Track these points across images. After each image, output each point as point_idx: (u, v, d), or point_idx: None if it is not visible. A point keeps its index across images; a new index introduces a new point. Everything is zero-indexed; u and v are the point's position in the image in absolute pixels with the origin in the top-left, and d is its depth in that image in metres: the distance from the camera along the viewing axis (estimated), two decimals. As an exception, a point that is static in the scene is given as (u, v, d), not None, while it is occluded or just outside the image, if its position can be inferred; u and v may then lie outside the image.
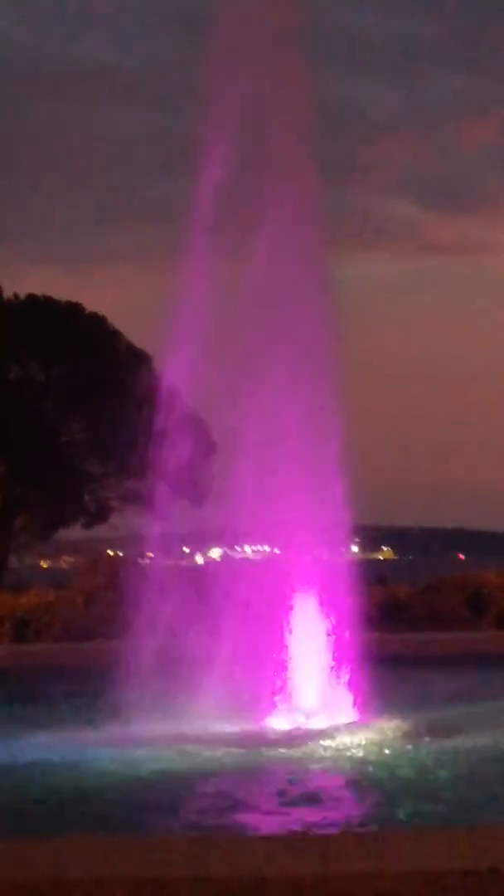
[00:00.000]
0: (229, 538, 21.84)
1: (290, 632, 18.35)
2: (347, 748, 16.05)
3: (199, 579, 19.79)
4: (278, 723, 17.46)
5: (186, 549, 25.75)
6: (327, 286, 19.19)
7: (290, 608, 18.42)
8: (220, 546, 22.14)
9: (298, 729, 17.17)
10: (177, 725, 16.71)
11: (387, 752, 15.69)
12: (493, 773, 14.00)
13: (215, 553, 24.70)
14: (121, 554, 40.59)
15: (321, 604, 18.50)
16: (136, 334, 49.06)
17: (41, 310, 49.42)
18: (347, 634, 18.41)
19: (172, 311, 18.78)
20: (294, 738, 16.54)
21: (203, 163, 18.53)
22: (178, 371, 19.75)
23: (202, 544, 23.25)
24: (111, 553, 40.30)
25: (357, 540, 21.43)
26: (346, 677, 18.18)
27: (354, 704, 17.94)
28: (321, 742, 16.36)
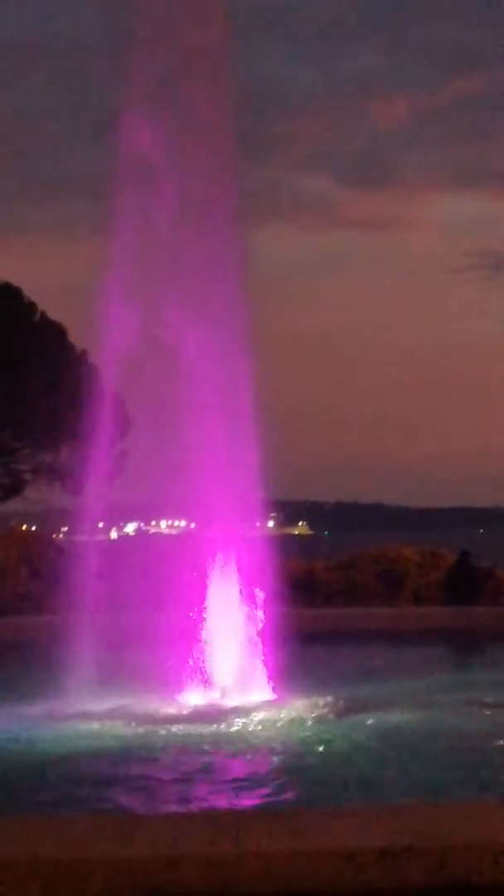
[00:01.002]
0: (144, 513, 21.83)
1: (206, 607, 18.35)
2: (260, 726, 16.08)
3: (113, 554, 19.76)
4: (193, 699, 17.47)
5: (101, 524, 25.67)
6: (241, 259, 19.17)
7: (206, 583, 18.43)
8: (135, 521, 22.11)
9: (213, 706, 17.18)
10: (89, 702, 16.69)
11: (299, 730, 15.73)
12: (412, 747, 14.07)
13: (130, 528, 24.69)
14: (34, 529, 40.45)
15: (236, 579, 18.52)
16: (51, 307, 48.92)
17: (-46, 280, 49.19)
18: (263, 610, 18.45)
19: (90, 284, 18.72)
20: (208, 716, 16.54)
21: (121, 134, 18.50)
22: (96, 344, 19.70)
23: (118, 519, 23.18)
24: (25, 527, 40.10)
25: (273, 515, 21.45)
26: (261, 653, 18.22)
27: (269, 681, 17.99)
28: (235, 719, 16.38)
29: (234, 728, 15.94)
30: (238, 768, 13.46)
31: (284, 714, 16.68)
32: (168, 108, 18.82)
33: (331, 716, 16.44)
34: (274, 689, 17.87)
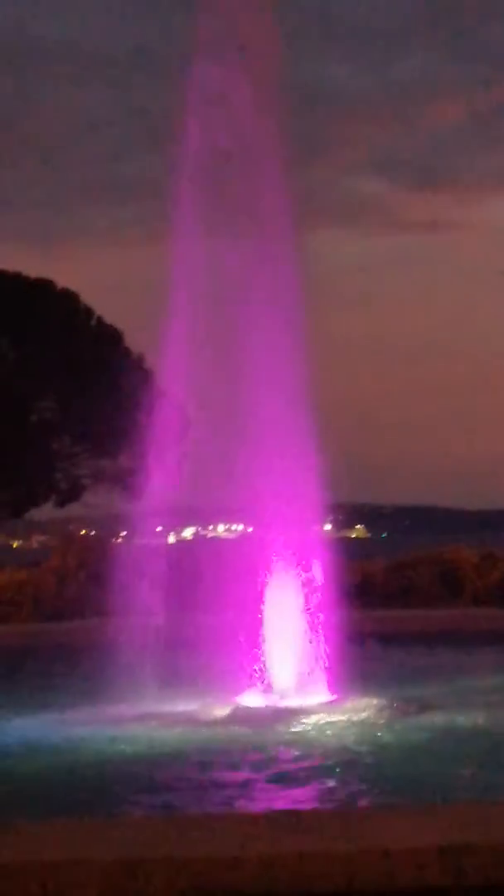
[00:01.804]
0: (202, 517, 21.88)
1: (264, 609, 18.38)
2: (321, 727, 16.11)
3: (172, 558, 19.82)
4: (253, 701, 17.50)
5: (159, 529, 25.75)
6: (300, 264, 19.18)
7: (264, 586, 18.45)
8: (193, 525, 22.19)
9: (273, 708, 17.21)
10: (150, 705, 16.76)
11: (358, 731, 15.75)
12: (471, 749, 14.06)
13: (188, 532, 24.78)
14: (94, 533, 40.57)
15: (295, 582, 18.54)
16: (109, 311, 49.06)
17: (10, 286, 49.31)
18: (322, 612, 18.46)
19: (149, 291, 18.80)
20: (268, 718, 16.58)
21: (181, 143, 18.60)
22: (156, 349, 19.78)
23: (176, 523, 23.29)
24: (84, 532, 40.24)
25: (330, 518, 21.45)
26: (320, 655, 18.23)
27: (329, 683, 18.01)
28: (295, 721, 16.41)
29: (294, 729, 15.97)
30: (298, 769, 13.49)
31: (344, 715, 16.71)
32: (224, 116, 18.86)
33: (390, 717, 16.46)
34: (333, 691, 17.89)
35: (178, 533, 24.50)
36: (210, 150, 18.71)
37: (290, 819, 8.37)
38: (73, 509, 51.58)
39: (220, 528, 21.84)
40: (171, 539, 24.85)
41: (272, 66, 19.05)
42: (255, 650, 18.11)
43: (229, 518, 20.99)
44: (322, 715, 16.79)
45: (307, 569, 18.64)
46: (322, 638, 18.32)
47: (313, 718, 16.58)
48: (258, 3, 19.00)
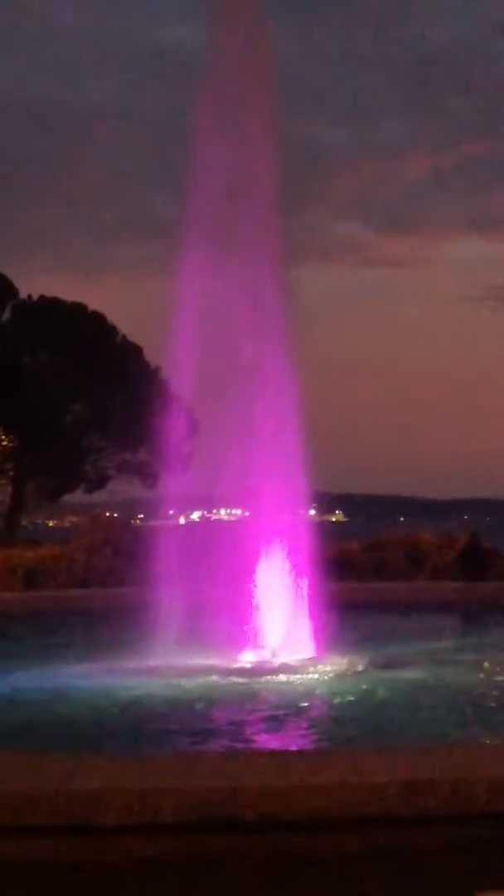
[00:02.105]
0: (207, 503, 21.87)
1: (259, 581, 18.39)
2: (305, 679, 16.10)
3: (182, 537, 19.83)
4: (249, 658, 17.49)
5: (172, 512, 25.70)
6: (288, 292, 19.23)
7: (259, 561, 18.47)
8: (199, 510, 22.15)
9: (266, 663, 17.20)
10: (163, 659, 16.73)
11: (337, 683, 15.73)
12: (432, 698, 14.06)
13: (195, 515, 24.71)
14: (116, 515, 40.57)
15: (285, 558, 18.56)
16: (132, 330, 49.18)
17: (50, 308, 49.36)
18: (306, 584, 18.48)
19: (164, 314, 18.84)
20: (262, 672, 16.57)
21: (192, 194, 18.70)
22: (172, 362, 19.83)
23: (185, 508, 23.25)
24: (109, 514, 40.23)
25: (314, 504, 21.44)
26: (305, 620, 18.25)
27: (312, 643, 18.01)
28: (283, 674, 16.41)
29: (283, 680, 15.97)
30: (285, 713, 13.47)
31: (324, 669, 16.70)
32: (227, 170, 18.91)
33: (363, 671, 16.44)
34: (315, 649, 17.89)
35: (186, 516, 24.41)
36: (214, 201, 18.77)
37: (278, 756, 8.37)
38: (100, 495, 51.72)
39: (223, 512, 21.75)
40: (181, 521, 24.77)
41: (266, 132, 19.12)
42: (251, 615, 18.12)
43: (230, 504, 20.92)
44: (306, 669, 16.78)
45: (294, 547, 18.66)
46: (306, 605, 18.33)
47: (299, 672, 16.57)
48: (257, 82, 19.07)
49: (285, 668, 16.82)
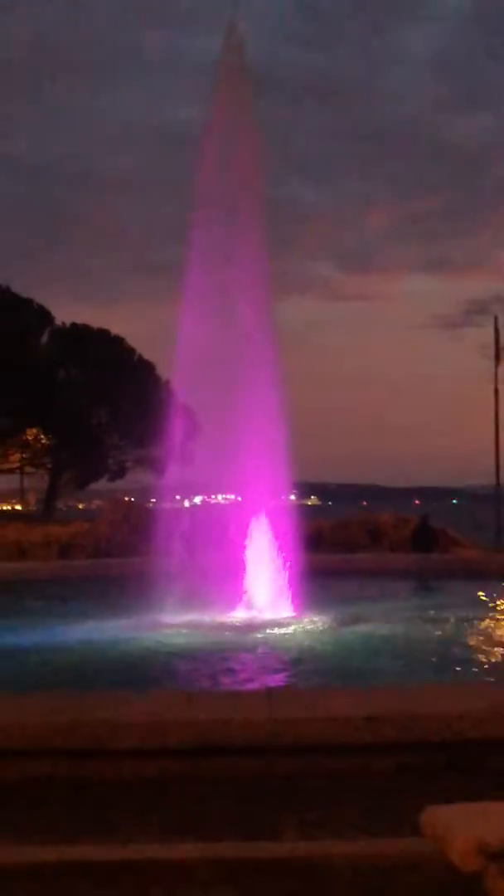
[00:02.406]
0: (207, 489, 21.86)
1: (248, 553, 18.40)
2: (285, 633, 16.05)
3: (186, 517, 19.82)
4: (240, 615, 17.45)
5: (178, 497, 25.63)
6: (273, 321, 19.29)
7: (249, 537, 18.47)
8: (200, 495, 22.09)
9: (254, 619, 17.15)
10: (170, 616, 16.68)
11: (313, 635, 15.69)
12: (389, 648, 14.01)
13: (197, 500, 24.62)
14: (133, 499, 40.54)
15: (269, 534, 18.56)
16: (146, 350, 49.20)
17: (81, 333, 49.45)
18: (287, 555, 18.47)
19: (172, 337, 18.87)
20: (251, 626, 16.53)
21: (192, 243, 18.71)
22: (178, 376, 19.91)
23: (189, 493, 23.17)
24: (127, 499, 40.22)
25: (294, 491, 21.40)
26: (286, 584, 18.22)
27: (292, 603, 17.97)
28: (268, 629, 16.36)
29: (267, 633, 15.92)
30: (271, 660, 13.44)
31: (302, 625, 16.65)
32: (221, 222, 18.90)
33: (334, 626, 16.39)
34: (294, 609, 17.85)
35: (190, 500, 24.33)
36: (211, 245, 18.77)
37: (264, 693, 8.31)
38: (120, 483, 51.72)
39: (220, 496, 21.72)
40: (186, 504, 24.69)
41: (254, 191, 19.14)
42: (242, 580, 18.11)
43: (225, 490, 20.92)
44: (287, 624, 16.74)
45: (277, 525, 18.66)
46: (287, 572, 18.31)
47: (280, 627, 16.52)
48: (247, 151, 19.06)
49: (270, 624, 16.77)
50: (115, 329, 50.73)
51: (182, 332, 18.67)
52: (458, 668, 12.33)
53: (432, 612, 17.55)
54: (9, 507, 58.56)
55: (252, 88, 19.61)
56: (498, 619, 16.86)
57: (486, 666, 12.58)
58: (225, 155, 19.02)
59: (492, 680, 11.58)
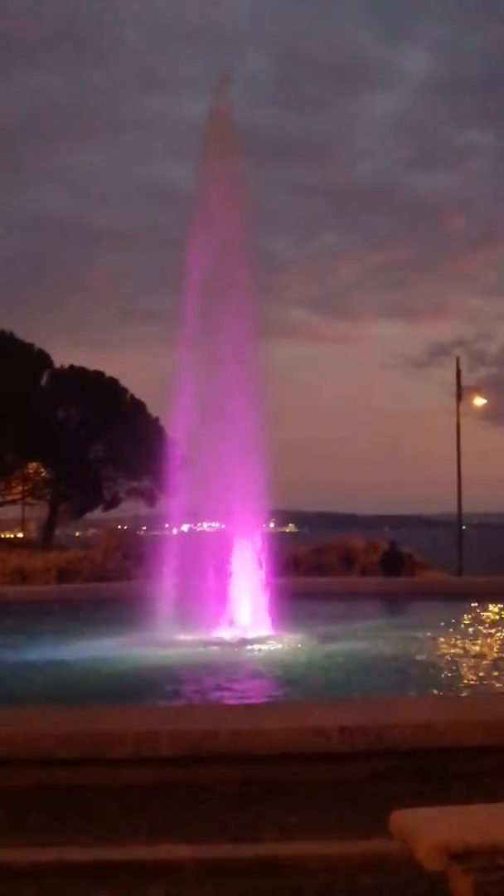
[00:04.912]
0: (193, 518, 21.84)
1: (232, 576, 18.38)
2: (265, 649, 16.04)
3: (175, 544, 19.79)
4: (224, 633, 17.42)
5: (167, 525, 25.63)
6: (256, 361, 19.34)
7: (231, 561, 18.47)
8: (189, 523, 22.08)
9: (236, 637, 17.14)
10: (161, 635, 16.64)
11: (291, 652, 15.68)
12: (360, 665, 14.00)
13: (185, 527, 24.61)
14: (126, 527, 40.43)
15: (251, 559, 18.56)
16: (138, 390, 49.30)
17: (77, 375, 49.44)
18: (267, 578, 18.47)
19: (163, 378, 18.94)
20: (233, 643, 16.52)
21: (185, 291, 18.79)
22: (166, 414, 19.98)
23: (177, 521, 23.15)
24: (120, 527, 40.11)
25: (272, 519, 21.38)
26: (265, 605, 18.21)
27: (270, 622, 17.96)
28: (249, 646, 16.35)
29: (249, 650, 15.90)
30: (251, 674, 13.42)
31: (281, 642, 16.64)
32: (206, 274, 18.94)
33: (310, 643, 16.38)
34: (273, 627, 17.83)
35: (179, 528, 24.32)
36: (198, 295, 18.84)
37: (248, 707, 8.33)
38: (114, 512, 51.60)
39: (205, 525, 21.69)
40: (175, 532, 24.68)
41: (242, 251, 19.28)
42: (226, 601, 18.09)
43: (210, 519, 20.90)
44: (267, 642, 16.73)
45: (257, 551, 18.66)
46: (267, 594, 18.30)
47: (261, 644, 16.51)
48: (232, 207, 19.18)
49: (251, 641, 16.76)
50: (110, 371, 50.64)
51: (173, 375, 18.74)
52: (423, 682, 12.35)
53: (400, 631, 17.56)
54: (11, 535, 58.29)
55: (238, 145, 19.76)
56: (460, 637, 16.89)
57: (449, 678, 12.61)
58: (212, 211, 19.09)
59: (455, 692, 11.61)
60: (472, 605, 21.38)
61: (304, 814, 6.32)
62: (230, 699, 11.46)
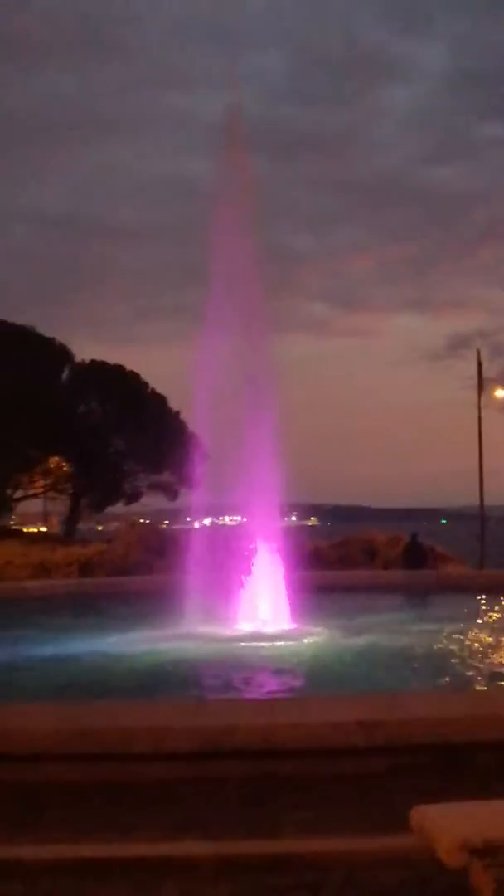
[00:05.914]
0: (216, 511, 21.84)
1: (253, 570, 18.34)
2: (287, 643, 15.99)
3: (197, 538, 19.79)
4: (246, 627, 17.40)
5: (189, 519, 25.64)
6: (274, 355, 19.32)
7: (253, 555, 18.43)
8: (210, 517, 22.08)
9: (258, 631, 17.10)
10: (183, 629, 16.62)
11: (312, 646, 15.62)
12: (384, 659, 13.92)
13: (207, 521, 24.62)
14: (147, 521, 40.52)
15: (273, 552, 18.52)
16: (159, 384, 49.31)
17: (99, 369, 49.53)
18: (288, 572, 18.43)
19: (183, 372, 18.90)
20: (255, 637, 16.48)
21: (205, 299, 18.75)
22: (187, 407, 19.98)
23: (199, 515, 23.14)
24: (141, 521, 40.18)
25: (294, 512, 21.36)
26: (288, 599, 18.17)
27: (292, 616, 17.92)
28: (271, 639, 16.31)
29: (271, 644, 15.86)
30: (273, 668, 13.35)
31: (301, 637, 16.58)
32: (229, 269, 18.87)
33: (331, 637, 16.33)
34: (295, 621, 17.79)
35: (200, 521, 24.32)
36: (218, 289, 18.78)
37: (265, 702, 8.28)
38: (136, 506, 51.71)
39: (227, 518, 21.69)
40: (196, 525, 24.68)
41: (255, 239, 19.21)
42: (248, 595, 18.06)
43: (233, 512, 20.88)
44: (288, 636, 16.68)
45: (279, 544, 18.62)
46: (288, 587, 18.26)
47: (282, 639, 16.46)
48: (248, 202, 19.12)
49: (272, 636, 16.71)
50: (130, 365, 50.68)
51: (193, 369, 18.71)
52: (446, 675, 12.27)
53: (423, 625, 17.46)
54: (34, 529, 58.50)
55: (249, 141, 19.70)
56: (483, 630, 16.79)
57: (471, 673, 12.52)
58: (230, 206, 19.03)
59: (477, 686, 11.53)
60: (501, 599, 21.22)
61: (322, 809, 6.26)
62: (249, 693, 11.41)
